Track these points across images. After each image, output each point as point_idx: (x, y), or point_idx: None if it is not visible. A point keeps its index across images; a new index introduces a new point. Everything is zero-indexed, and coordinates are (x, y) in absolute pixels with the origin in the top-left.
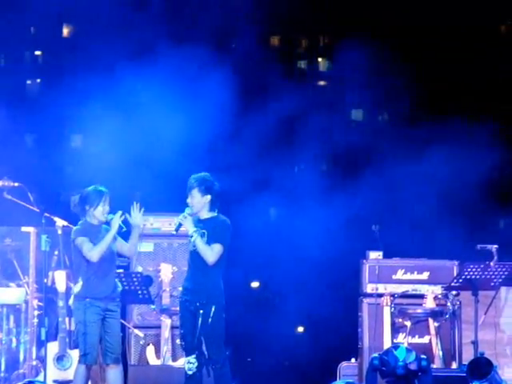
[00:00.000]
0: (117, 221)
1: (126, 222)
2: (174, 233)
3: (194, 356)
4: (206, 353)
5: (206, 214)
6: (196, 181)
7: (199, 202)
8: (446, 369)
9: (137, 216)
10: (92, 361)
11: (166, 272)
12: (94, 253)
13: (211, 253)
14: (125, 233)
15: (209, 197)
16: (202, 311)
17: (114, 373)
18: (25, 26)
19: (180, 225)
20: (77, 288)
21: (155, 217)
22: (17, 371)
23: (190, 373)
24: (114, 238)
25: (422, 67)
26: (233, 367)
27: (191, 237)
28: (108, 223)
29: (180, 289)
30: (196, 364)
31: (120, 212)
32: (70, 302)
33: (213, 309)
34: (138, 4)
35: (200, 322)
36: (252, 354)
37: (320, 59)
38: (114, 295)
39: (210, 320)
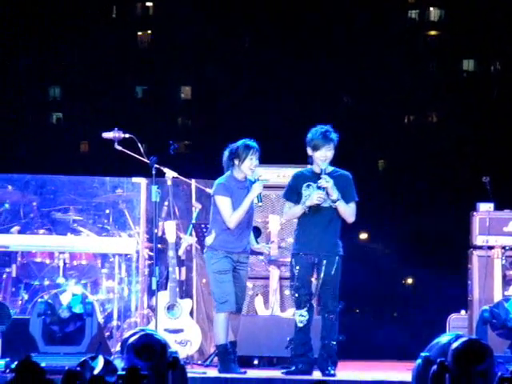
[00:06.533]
0: (258, 187)
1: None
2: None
3: (305, 309)
4: (321, 303)
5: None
6: (335, 135)
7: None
8: None
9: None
10: (231, 307)
11: (274, 223)
12: (232, 220)
13: (352, 212)
14: None
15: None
16: (325, 261)
17: (237, 321)
18: None
19: (323, 189)
20: (210, 239)
21: (264, 168)
22: (129, 319)
23: (301, 325)
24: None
25: None
26: (342, 321)
27: (334, 201)
28: (254, 181)
29: (289, 240)
30: (307, 317)
31: (262, 183)
32: (180, 252)
33: (337, 259)
34: None
35: (323, 271)
36: (360, 306)
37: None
38: (246, 249)
39: (333, 270)
